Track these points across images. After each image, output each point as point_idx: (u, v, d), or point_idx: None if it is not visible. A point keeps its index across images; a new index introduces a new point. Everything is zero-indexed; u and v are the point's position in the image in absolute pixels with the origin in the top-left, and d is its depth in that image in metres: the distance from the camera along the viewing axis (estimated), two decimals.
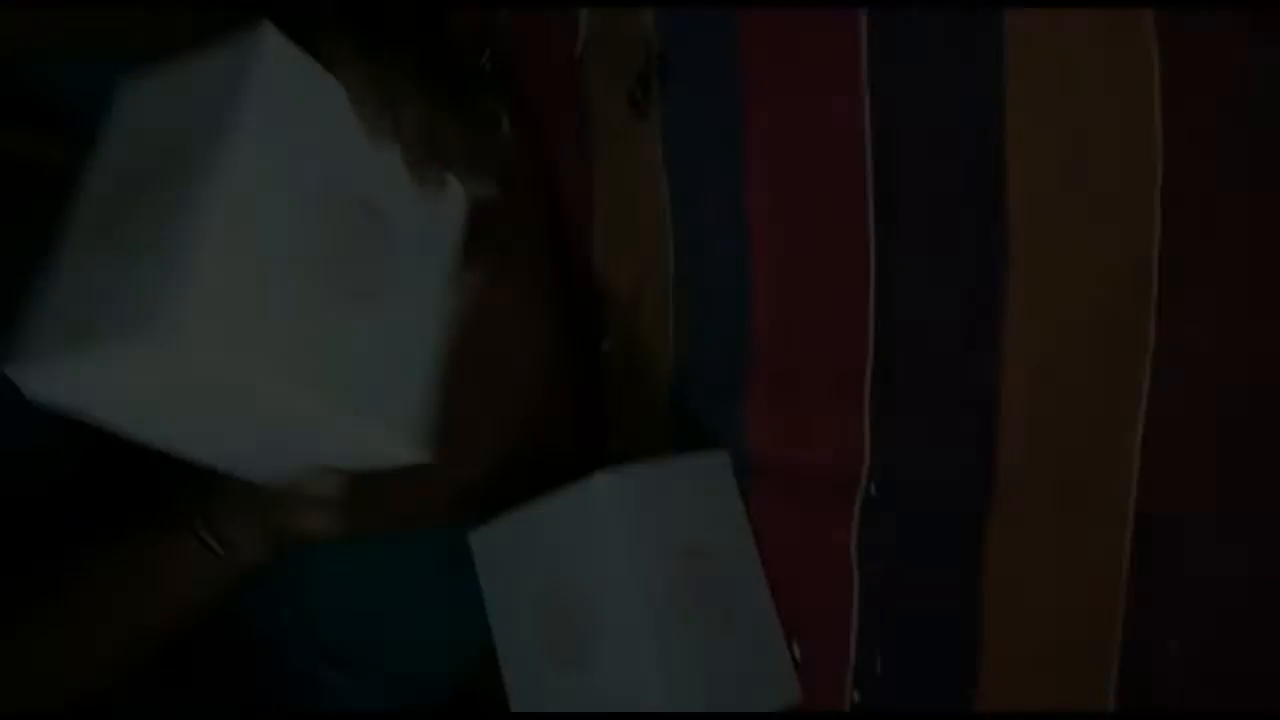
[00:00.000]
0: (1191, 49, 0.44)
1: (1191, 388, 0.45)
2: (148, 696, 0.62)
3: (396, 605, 0.73)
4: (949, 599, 0.53)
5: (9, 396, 0.41)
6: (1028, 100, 0.48)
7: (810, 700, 0.59)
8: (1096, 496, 0.48)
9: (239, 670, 0.73)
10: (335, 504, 0.51)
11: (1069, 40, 0.47)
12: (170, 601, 0.56)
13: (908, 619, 0.56)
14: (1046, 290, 0.49)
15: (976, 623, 0.53)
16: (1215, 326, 0.44)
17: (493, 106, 0.66)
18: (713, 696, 0.56)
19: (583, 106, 0.67)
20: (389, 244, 0.46)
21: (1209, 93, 0.43)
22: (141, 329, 0.38)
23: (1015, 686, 0.52)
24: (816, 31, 0.56)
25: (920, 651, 0.55)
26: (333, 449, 0.48)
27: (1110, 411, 0.47)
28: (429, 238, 0.49)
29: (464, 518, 0.63)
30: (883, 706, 0.57)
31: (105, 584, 0.56)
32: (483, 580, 0.62)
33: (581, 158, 0.68)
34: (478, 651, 0.65)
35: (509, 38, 0.70)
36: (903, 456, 0.55)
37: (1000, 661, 0.52)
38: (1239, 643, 0.45)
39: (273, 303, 0.41)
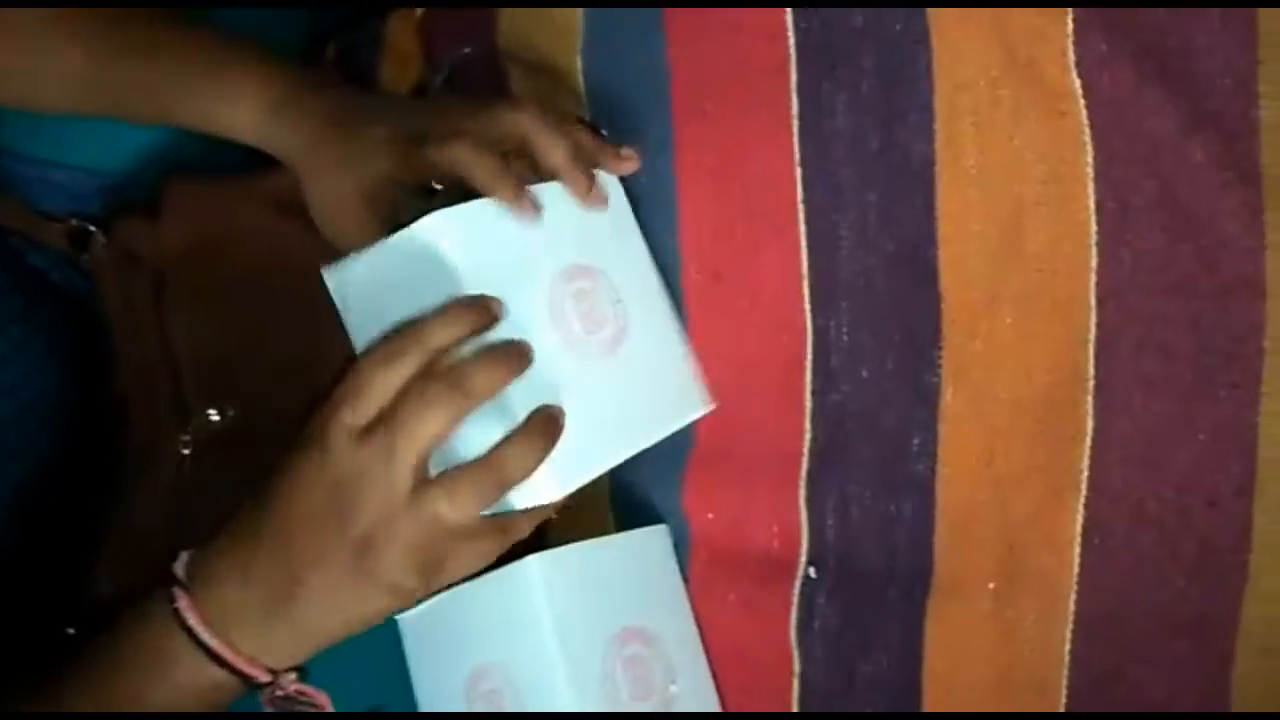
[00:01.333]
0: (1122, 131, 0.43)
1: (1130, 477, 0.44)
2: None
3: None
4: (888, 683, 0.52)
5: None
6: (958, 174, 0.48)
7: None
8: (1037, 585, 0.47)
9: None
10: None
11: (997, 119, 0.46)
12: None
13: (847, 704, 0.54)
14: (983, 374, 0.48)
15: (915, 706, 0.51)
16: (1153, 412, 0.44)
17: None
18: None
19: None
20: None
21: (1139, 165, 0.43)
22: None
23: None
24: (746, 109, 0.55)
25: None
26: None
27: (1048, 498, 0.46)
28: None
29: None
30: None
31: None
32: (410, 663, 0.60)
33: None
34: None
35: None
36: (840, 539, 0.54)
37: None
38: None
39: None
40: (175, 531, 0.57)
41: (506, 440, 0.47)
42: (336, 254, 0.59)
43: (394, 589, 0.48)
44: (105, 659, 0.50)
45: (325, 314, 0.66)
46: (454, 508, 0.46)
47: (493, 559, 0.50)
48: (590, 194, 0.53)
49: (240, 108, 0.59)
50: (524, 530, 0.50)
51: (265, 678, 0.49)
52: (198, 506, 0.62)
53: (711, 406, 0.56)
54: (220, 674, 0.48)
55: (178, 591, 0.48)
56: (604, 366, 0.52)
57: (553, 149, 0.53)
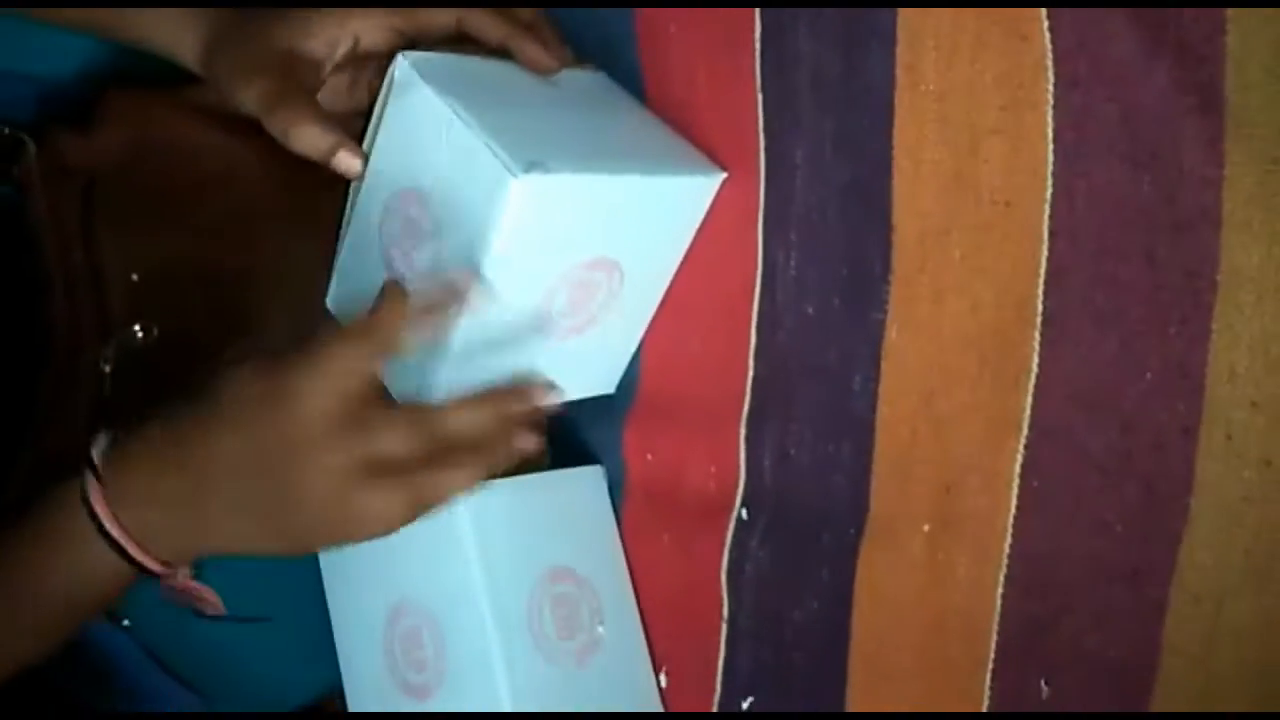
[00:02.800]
0: (1085, 55, 0.41)
1: (1073, 417, 0.43)
2: None
3: (245, 633, 0.68)
4: (817, 628, 0.51)
5: None
6: (916, 102, 0.46)
7: None
8: (972, 528, 0.46)
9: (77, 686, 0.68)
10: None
11: (960, 42, 0.44)
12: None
13: (775, 649, 0.53)
14: (928, 309, 0.46)
15: (843, 653, 0.50)
16: (1101, 350, 0.42)
17: None
18: None
19: None
20: None
21: (1100, 90, 0.41)
22: None
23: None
24: (710, 29, 0.53)
25: (787, 679, 0.52)
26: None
27: (988, 438, 0.45)
28: None
29: None
30: None
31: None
32: (330, 601, 0.58)
33: None
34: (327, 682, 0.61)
35: None
36: (777, 481, 0.52)
37: (867, 693, 0.50)
38: (1111, 688, 0.43)
39: None
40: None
41: (455, 457, 0.46)
42: (280, 163, 0.57)
43: (294, 542, 0.48)
44: (12, 535, 0.50)
45: (256, 234, 0.63)
46: (381, 516, 0.46)
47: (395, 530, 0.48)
48: (545, 58, 0.52)
49: (159, 13, 0.56)
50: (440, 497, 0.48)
51: (159, 569, 0.48)
52: (117, 426, 0.60)
53: None
54: (116, 560, 0.48)
55: (88, 473, 0.48)
56: None
57: (493, 25, 0.52)
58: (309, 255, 0.57)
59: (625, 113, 0.55)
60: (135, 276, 0.63)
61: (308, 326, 0.58)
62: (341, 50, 0.52)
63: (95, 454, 0.48)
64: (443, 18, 0.52)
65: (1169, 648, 0.41)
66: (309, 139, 0.49)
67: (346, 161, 0.50)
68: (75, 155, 0.65)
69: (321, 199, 0.55)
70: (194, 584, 0.51)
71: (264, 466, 0.46)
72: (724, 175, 0.52)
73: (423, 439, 0.46)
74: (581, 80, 0.55)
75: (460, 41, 0.52)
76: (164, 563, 0.48)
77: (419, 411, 0.47)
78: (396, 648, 0.55)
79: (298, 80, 0.51)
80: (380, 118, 0.50)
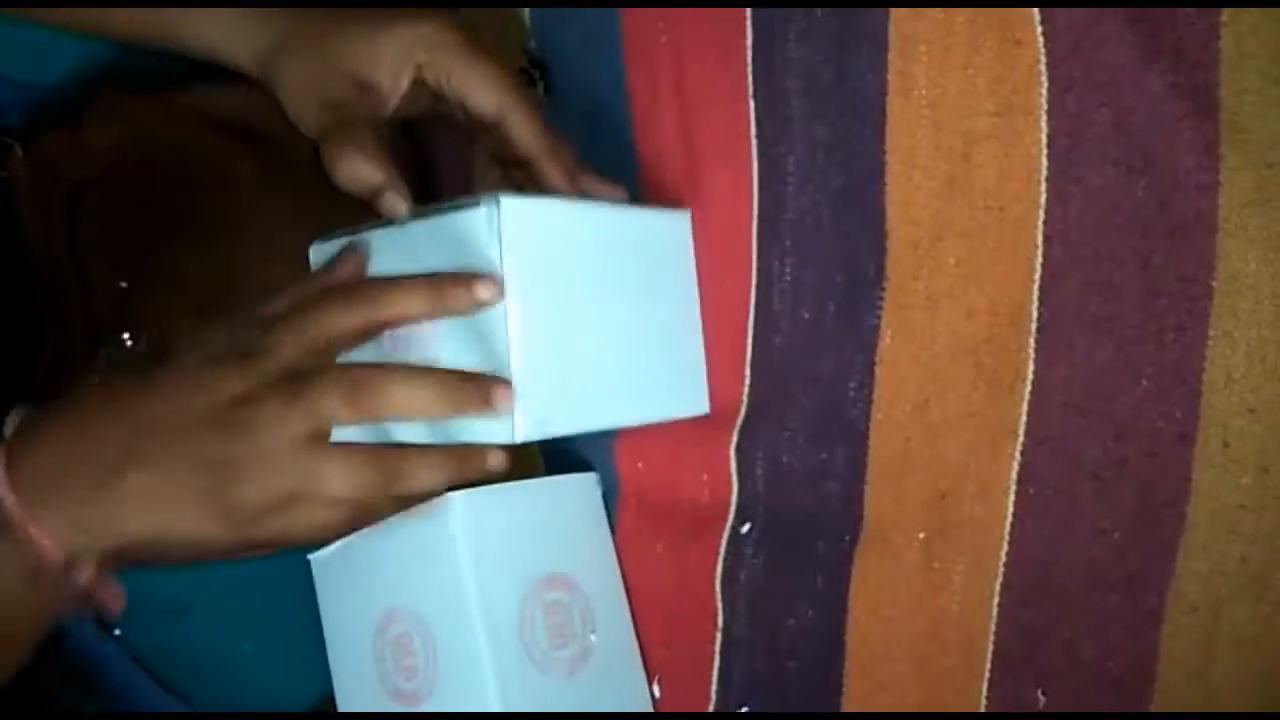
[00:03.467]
0: (1078, 60, 0.41)
1: (1069, 424, 0.42)
2: None
3: (236, 642, 0.68)
4: (811, 638, 0.50)
5: None
6: (909, 107, 0.46)
7: None
8: (967, 536, 0.45)
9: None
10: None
11: (952, 47, 0.44)
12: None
13: (769, 658, 0.52)
14: (922, 316, 0.46)
15: (839, 662, 0.50)
16: (1097, 356, 0.42)
17: None
18: None
19: None
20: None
21: (1094, 95, 0.41)
22: None
23: None
24: (700, 33, 0.53)
25: (782, 689, 0.52)
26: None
27: (983, 444, 0.44)
28: None
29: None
30: None
31: None
32: (322, 607, 0.57)
33: (460, 159, 0.65)
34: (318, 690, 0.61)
35: None
36: (770, 489, 0.52)
37: (863, 702, 0.49)
38: (1109, 698, 0.42)
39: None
40: None
41: (424, 450, 0.46)
42: (275, 172, 0.56)
43: (233, 523, 0.44)
44: None
45: (247, 240, 0.63)
46: (342, 485, 0.44)
47: (333, 533, 0.47)
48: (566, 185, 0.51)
49: (210, 13, 0.55)
50: (384, 511, 0.48)
51: (59, 557, 0.43)
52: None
53: None
54: (17, 558, 0.43)
55: None
56: None
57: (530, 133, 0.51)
58: (301, 262, 0.57)
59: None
60: (124, 283, 0.62)
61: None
62: (405, 82, 0.51)
63: (7, 428, 0.45)
64: (490, 100, 0.51)
65: (1166, 657, 0.40)
66: (359, 173, 0.48)
67: (391, 202, 0.48)
68: (64, 159, 0.65)
69: (314, 206, 0.54)
70: (97, 577, 0.44)
71: (217, 424, 0.43)
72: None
73: (348, 391, 0.45)
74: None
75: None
76: (69, 557, 0.43)
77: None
78: (387, 654, 0.55)
79: (361, 110, 0.50)
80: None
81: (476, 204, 0.46)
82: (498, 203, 0.45)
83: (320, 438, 0.44)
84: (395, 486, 0.46)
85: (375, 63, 0.50)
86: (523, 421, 0.46)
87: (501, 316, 0.45)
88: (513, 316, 0.45)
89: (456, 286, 0.45)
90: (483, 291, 0.44)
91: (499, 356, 0.46)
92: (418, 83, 0.51)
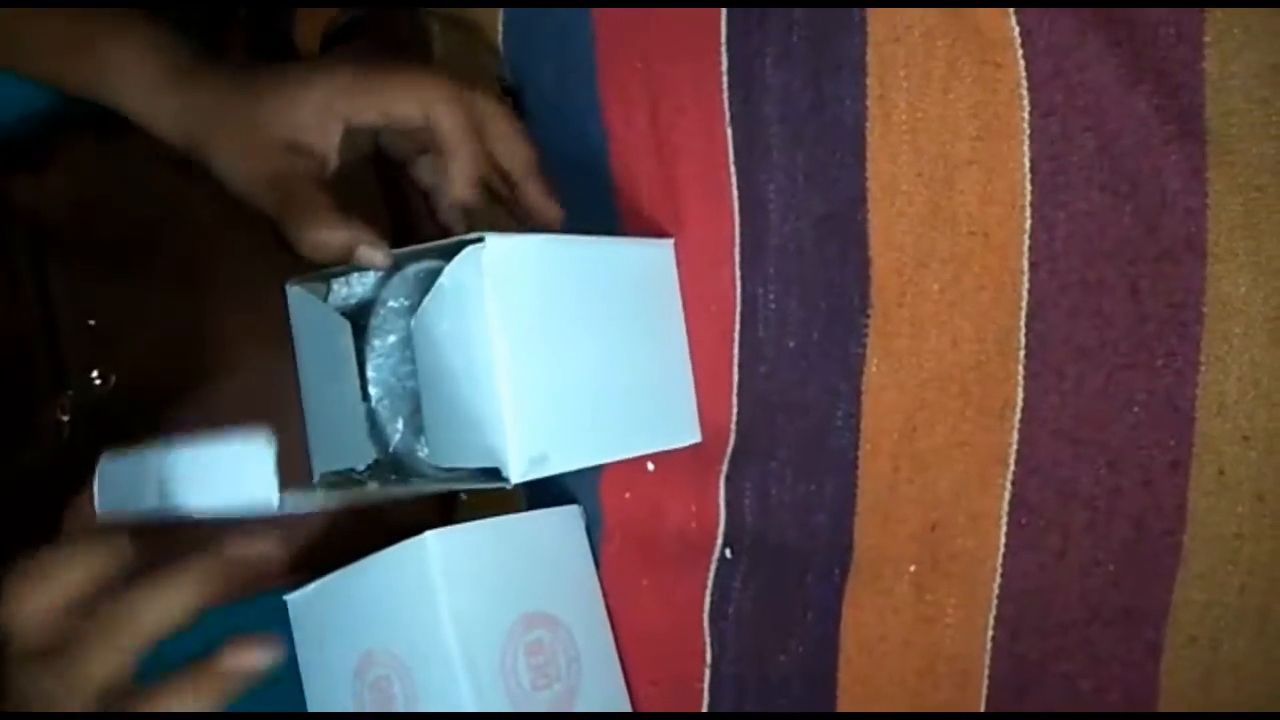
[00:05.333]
0: (1061, 83, 0.41)
1: (1060, 452, 0.42)
2: None
3: None
4: (802, 674, 0.49)
5: None
6: (889, 132, 0.45)
7: None
8: (960, 568, 0.44)
9: None
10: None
11: (932, 72, 0.43)
12: None
13: (760, 696, 0.51)
14: (907, 343, 0.45)
15: (830, 700, 0.49)
16: (1087, 384, 0.41)
17: None
18: None
19: None
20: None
21: (1078, 119, 0.40)
22: None
23: None
24: (675, 61, 0.52)
25: None
26: None
27: (973, 474, 0.44)
28: None
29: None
30: None
31: None
32: (299, 648, 0.56)
33: None
34: None
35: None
36: (758, 521, 0.51)
37: None
38: None
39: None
40: (57, 501, 0.53)
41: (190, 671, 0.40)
42: (237, 209, 0.55)
43: None
44: None
45: (216, 277, 0.62)
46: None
47: None
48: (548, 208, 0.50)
49: (126, 74, 0.53)
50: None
51: None
52: (79, 476, 0.58)
53: None
54: None
55: None
56: None
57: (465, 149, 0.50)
58: (271, 298, 0.55)
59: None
60: (92, 322, 0.61)
61: (270, 369, 0.57)
62: (336, 137, 0.50)
63: None
64: (409, 105, 0.50)
65: (1166, 690, 0.40)
66: (323, 243, 0.47)
67: (367, 256, 0.48)
68: (26, 198, 0.63)
69: (279, 242, 0.53)
70: None
71: None
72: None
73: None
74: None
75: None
76: None
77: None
78: (367, 698, 0.53)
79: (303, 175, 0.49)
80: None
81: (460, 246, 0.45)
82: (482, 243, 0.45)
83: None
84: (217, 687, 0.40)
85: (301, 126, 0.50)
86: (518, 462, 0.45)
87: (491, 358, 0.45)
88: (502, 357, 0.45)
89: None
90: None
91: (491, 398, 0.45)
92: (352, 131, 0.51)
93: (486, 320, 0.45)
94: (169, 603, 0.40)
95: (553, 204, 0.53)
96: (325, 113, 0.50)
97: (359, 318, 0.52)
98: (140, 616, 0.39)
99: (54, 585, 0.39)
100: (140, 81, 0.53)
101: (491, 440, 0.45)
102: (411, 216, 0.65)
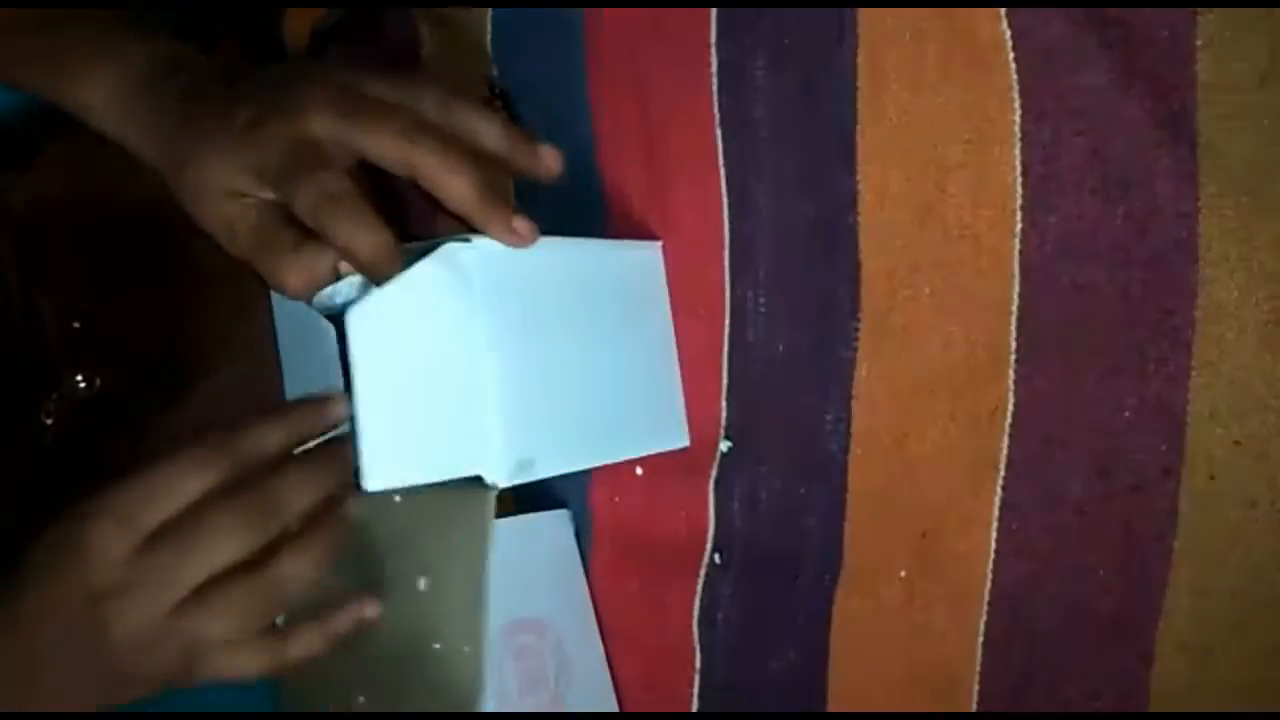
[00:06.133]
0: (1052, 87, 0.40)
1: (1050, 458, 0.41)
2: None
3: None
4: (792, 681, 0.49)
5: None
6: (879, 136, 0.45)
7: None
8: (951, 573, 0.44)
9: None
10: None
11: (922, 76, 0.43)
12: None
13: (750, 702, 0.51)
14: (898, 347, 0.45)
15: (821, 707, 0.48)
16: (1078, 389, 0.41)
17: None
18: None
19: None
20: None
21: (1069, 122, 0.40)
22: None
23: None
24: (665, 63, 0.52)
25: None
26: None
27: (964, 479, 0.43)
28: None
29: None
30: None
31: None
32: None
33: None
34: None
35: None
36: (748, 526, 0.50)
37: None
38: None
39: None
40: (41, 505, 0.52)
41: (286, 549, 0.43)
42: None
43: (139, 689, 0.44)
44: None
45: (202, 280, 0.61)
46: (227, 627, 0.42)
47: (254, 675, 0.44)
48: (513, 231, 0.45)
49: (91, 83, 0.51)
50: (311, 649, 0.45)
51: None
52: (61, 477, 0.58)
53: None
54: None
55: None
56: None
57: (451, 177, 0.44)
58: (257, 299, 0.55)
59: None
60: (77, 324, 0.60)
61: (255, 372, 0.56)
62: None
63: None
64: (391, 156, 0.45)
65: (1157, 698, 0.39)
66: (306, 280, 0.45)
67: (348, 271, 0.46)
68: (14, 198, 0.63)
69: None
70: None
71: (78, 631, 0.42)
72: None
73: (251, 533, 0.42)
74: None
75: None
76: None
77: (243, 505, 0.43)
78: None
79: (262, 213, 0.46)
80: None
81: (444, 248, 0.45)
82: (468, 244, 0.44)
83: (184, 594, 0.42)
84: (277, 597, 0.43)
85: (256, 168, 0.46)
86: (506, 466, 0.44)
87: (478, 363, 0.44)
88: (488, 363, 0.44)
89: (308, 412, 0.44)
90: (333, 411, 0.43)
91: (479, 402, 0.44)
92: None
93: (472, 323, 0.44)
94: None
95: (546, 154, 0.48)
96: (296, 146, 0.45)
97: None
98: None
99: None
100: (107, 97, 0.51)
101: (476, 444, 0.45)
102: (404, 211, 0.65)
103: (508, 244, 0.45)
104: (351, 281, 0.52)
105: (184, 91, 0.49)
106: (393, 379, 0.46)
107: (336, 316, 0.52)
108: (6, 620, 0.43)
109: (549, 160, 0.47)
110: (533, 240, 0.45)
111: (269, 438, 0.44)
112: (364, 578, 0.50)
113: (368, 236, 0.43)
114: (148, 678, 0.43)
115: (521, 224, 0.44)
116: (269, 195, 0.46)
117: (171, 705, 0.55)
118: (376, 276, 0.44)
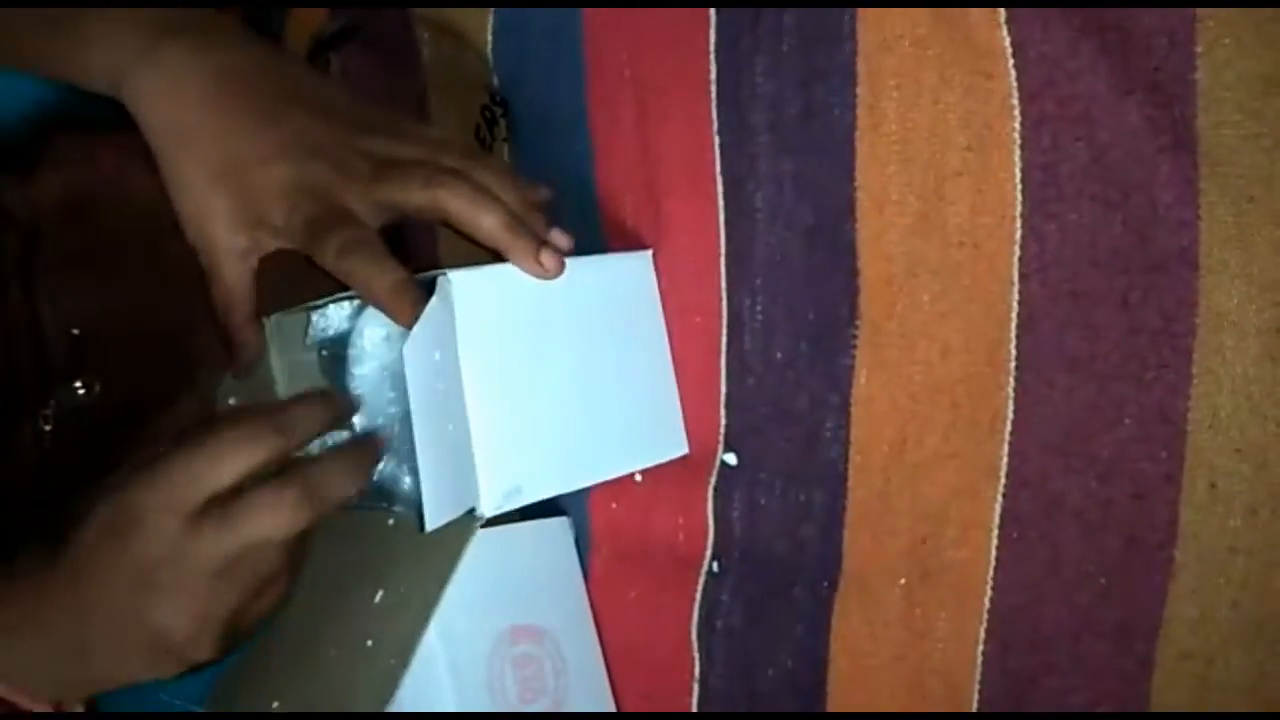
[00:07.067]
0: (1052, 93, 0.40)
1: (1050, 465, 0.41)
2: None
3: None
4: (792, 688, 0.49)
5: None
6: (879, 142, 0.45)
7: None
8: (950, 581, 0.44)
9: None
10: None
11: (922, 82, 0.43)
12: None
13: (748, 706, 0.51)
14: (897, 355, 0.45)
15: (819, 710, 0.48)
16: (1078, 396, 0.41)
17: None
18: None
19: None
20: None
21: (1069, 129, 0.40)
22: None
23: None
24: (663, 68, 0.52)
25: None
26: None
27: (964, 487, 0.43)
28: None
29: None
30: None
31: None
32: None
33: None
34: None
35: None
36: (747, 533, 0.50)
37: None
38: None
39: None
40: (38, 511, 0.52)
41: (324, 458, 0.46)
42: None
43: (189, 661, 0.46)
44: None
45: (196, 285, 0.61)
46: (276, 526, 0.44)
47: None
48: (540, 264, 0.47)
49: (95, 48, 0.52)
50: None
51: (45, 707, 0.45)
52: (60, 484, 0.58)
53: None
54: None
55: None
56: None
57: (482, 213, 0.48)
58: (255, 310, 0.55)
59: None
60: (76, 330, 0.60)
61: (254, 381, 0.56)
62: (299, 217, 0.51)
63: None
64: (418, 200, 0.49)
65: (1159, 706, 0.39)
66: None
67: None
68: (14, 202, 0.63)
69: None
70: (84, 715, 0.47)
71: (132, 604, 0.43)
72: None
73: (296, 515, 0.44)
74: None
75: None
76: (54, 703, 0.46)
77: (288, 487, 0.44)
78: None
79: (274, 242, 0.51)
80: None
81: (432, 283, 0.46)
82: (449, 281, 0.45)
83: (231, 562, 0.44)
84: (318, 500, 0.45)
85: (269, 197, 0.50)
86: (490, 495, 0.45)
87: (462, 392, 0.44)
88: (469, 394, 0.45)
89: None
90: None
91: (463, 431, 0.44)
92: None
93: (456, 354, 0.45)
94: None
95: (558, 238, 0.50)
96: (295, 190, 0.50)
97: (338, 347, 0.52)
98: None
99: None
100: (108, 55, 0.52)
101: (466, 473, 0.45)
102: (405, 241, 0.65)
103: (535, 275, 0.47)
104: (343, 313, 0.53)
105: (208, 76, 0.51)
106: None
107: (331, 343, 0.53)
108: (67, 600, 0.44)
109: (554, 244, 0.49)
110: (559, 272, 0.47)
111: (309, 420, 0.46)
112: (324, 582, 0.51)
113: (387, 276, 0.46)
114: (205, 647, 0.45)
115: (548, 258, 0.47)
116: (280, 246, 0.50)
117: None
118: (396, 311, 0.47)
